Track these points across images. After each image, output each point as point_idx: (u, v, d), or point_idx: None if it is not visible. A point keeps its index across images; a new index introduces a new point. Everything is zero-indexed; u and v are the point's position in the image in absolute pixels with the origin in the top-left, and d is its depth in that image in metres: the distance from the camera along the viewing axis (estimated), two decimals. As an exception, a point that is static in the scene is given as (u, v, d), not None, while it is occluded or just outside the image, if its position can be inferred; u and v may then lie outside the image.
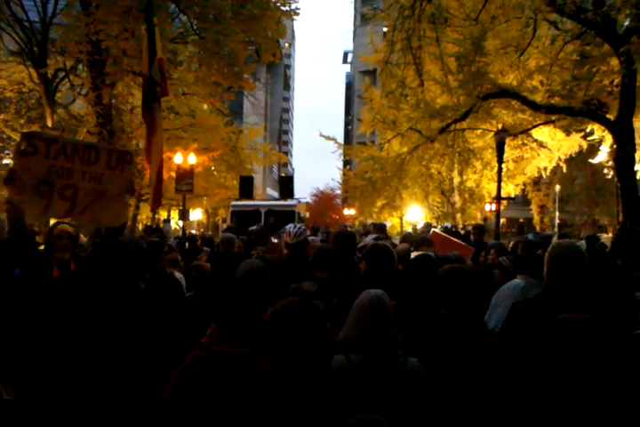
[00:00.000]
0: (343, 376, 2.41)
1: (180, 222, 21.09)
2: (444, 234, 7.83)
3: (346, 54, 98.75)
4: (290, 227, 4.38)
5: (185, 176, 17.29)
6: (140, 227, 20.97)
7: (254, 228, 7.34)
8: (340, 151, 27.56)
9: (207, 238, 11.33)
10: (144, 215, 29.05)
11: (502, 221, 21.32)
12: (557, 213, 33.24)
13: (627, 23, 10.61)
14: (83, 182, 3.88)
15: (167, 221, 22.58)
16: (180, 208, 18.92)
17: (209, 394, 2.22)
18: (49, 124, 16.49)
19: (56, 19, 16.96)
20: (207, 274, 4.26)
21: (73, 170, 3.87)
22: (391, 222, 29.28)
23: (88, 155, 3.93)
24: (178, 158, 17.34)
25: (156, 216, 29.26)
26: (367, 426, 1.51)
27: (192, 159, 17.67)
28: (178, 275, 4.67)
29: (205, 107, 22.20)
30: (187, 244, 10.12)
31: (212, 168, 26.14)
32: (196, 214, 35.23)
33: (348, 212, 43.88)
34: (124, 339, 3.09)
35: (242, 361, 2.24)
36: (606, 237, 16.28)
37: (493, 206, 15.79)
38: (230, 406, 2.18)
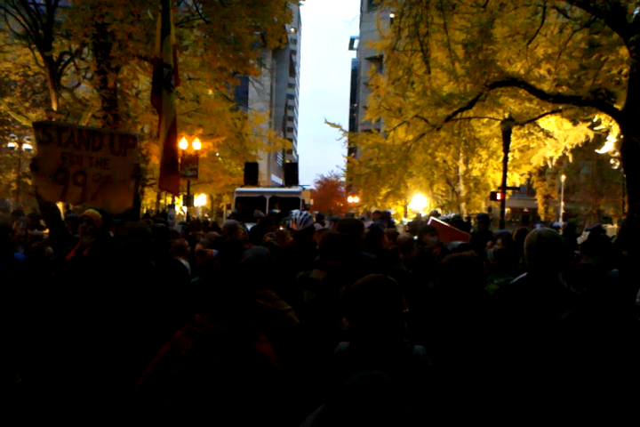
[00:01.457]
0: (348, 364, 2.43)
1: (185, 208, 21.14)
2: (443, 222, 7.88)
3: (352, 40, 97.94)
4: (295, 214, 4.38)
5: (190, 162, 17.29)
6: (145, 211, 21.02)
7: (259, 214, 7.37)
8: (345, 138, 27.47)
9: (210, 224, 11.33)
10: (148, 200, 29.11)
11: (507, 210, 21.27)
12: (562, 204, 33.14)
13: (637, 12, 10.50)
14: (90, 168, 3.93)
15: (172, 206, 22.55)
16: (185, 194, 18.94)
17: (200, 369, 2.27)
18: (54, 107, 16.46)
19: (61, 1, 16.84)
20: (212, 260, 4.27)
21: (82, 156, 3.92)
22: (395, 210, 29.21)
23: (92, 140, 3.97)
24: (183, 144, 17.31)
25: (161, 201, 29.32)
26: (368, 383, 1.51)
27: (197, 145, 17.65)
28: (184, 262, 4.69)
29: (210, 92, 22.12)
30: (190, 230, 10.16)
31: (217, 154, 26.11)
32: (201, 200, 35.25)
33: (353, 199, 43.84)
34: (129, 323, 3.11)
35: (236, 341, 2.29)
36: (611, 228, 16.24)
37: (498, 196, 15.72)
38: (218, 385, 2.23)
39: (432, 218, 8.66)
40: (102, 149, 3.97)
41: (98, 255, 3.63)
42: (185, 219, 18.68)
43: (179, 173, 4.40)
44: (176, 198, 28.71)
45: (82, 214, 3.91)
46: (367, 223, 7.42)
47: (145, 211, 21.02)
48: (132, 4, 11.89)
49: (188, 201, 18.80)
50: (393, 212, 26.08)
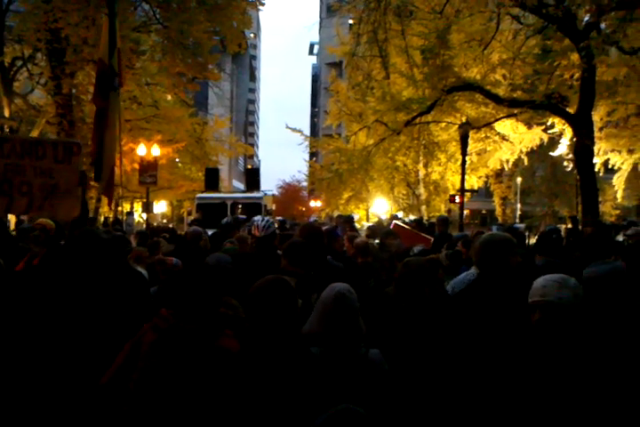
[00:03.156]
0: (304, 369, 2.42)
1: (144, 215, 20.78)
2: (405, 226, 7.96)
3: (312, 46, 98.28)
4: (258, 220, 4.34)
5: (148, 168, 16.99)
6: (102, 219, 20.54)
7: (227, 220, 7.29)
8: (307, 143, 27.57)
9: (170, 231, 11.10)
10: (106, 208, 28.46)
11: (466, 212, 21.66)
12: (519, 205, 33.94)
13: (587, 18, 10.85)
14: (35, 178, 3.84)
15: (130, 213, 22.11)
16: (144, 200, 18.62)
17: (162, 363, 2.28)
18: (6, 114, 15.95)
19: (13, 5, 16.37)
20: (171, 268, 4.20)
21: (25, 166, 3.83)
22: (359, 215, 29.36)
23: (35, 150, 3.88)
24: (141, 150, 17.01)
25: (119, 208, 28.73)
26: (346, 418, 1.53)
27: (156, 151, 17.36)
28: (142, 271, 4.60)
29: (169, 97, 21.84)
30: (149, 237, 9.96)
31: (177, 160, 25.77)
32: (161, 207, 34.69)
33: (315, 204, 43.91)
34: (83, 333, 3.03)
35: (200, 336, 2.29)
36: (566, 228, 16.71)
37: (457, 198, 16.00)
38: (181, 379, 2.23)
39: (395, 221, 8.73)
40: (46, 159, 3.89)
41: (49, 265, 3.52)
42: (144, 226, 18.33)
43: (113, 182, 4.33)
44: (135, 205, 28.21)
45: (34, 223, 3.80)
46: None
47: (103, 218, 20.55)
48: (87, 8, 11.65)
49: (148, 208, 18.47)
50: (357, 216, 26.22)
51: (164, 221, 36.89)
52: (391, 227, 7.32)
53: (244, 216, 12.51)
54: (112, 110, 4.25)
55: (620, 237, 9.66)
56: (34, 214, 3.95)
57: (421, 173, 23.84)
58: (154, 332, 2.37)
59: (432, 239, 6.93)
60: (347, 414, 1.53)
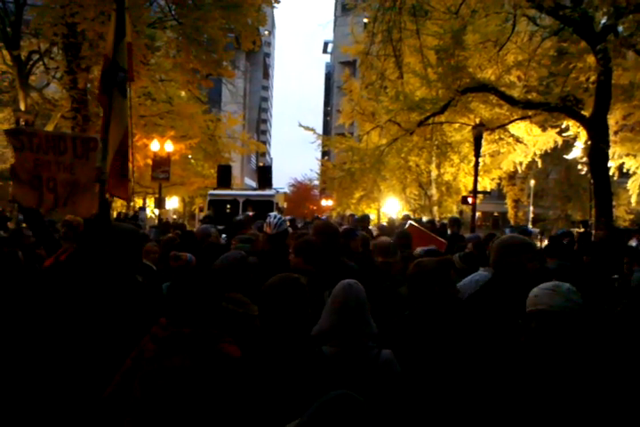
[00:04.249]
0: (314, 369, 2.42)
1: (156, 211, 20.88)
2: (421, 227, 7.89)
3: (326, 44, 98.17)
4: (270, 217, 4.36)
5: (161, 164, 17.11)
6: (115, 215, 20.67)
7: (240, 217, 7.31)
8: (319, 142, 27.50)
9: (180, 226, 11.12)
10: (119, 203, 28.64)
11: (478, 214, 21.55)
12: (531, 208, 33.76)
13: (604, 21, 10.76)
14: (59, 174, 3.87)
15: (143, 208, 22.26)
16: (156, 196, 18.71)
17: (163, 372, 2.26)
18: (22, 107, 16.10)
19: (30, -1, 16.52)
20: (187, 264, 4.22)
21: (50, 162, 3.87)
22: (375, 215, 29.29)
23: (58, 145, 3.91)
24: (154, 146, 17.12)
25: (132, 204, 28.89)
26: (342, 403, 1.51)
27: (169, 147, 17.47)
28: (149, 264, 4.63)
29: (183, 94, 21.91)
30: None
31: (190, 156, 25.86)
32: (173, 203, 34.84)
33: (326, 203, 43.91)
34: (111, 337, 3.02)
35: (198, 343, 2.28)
36: (578, 232, 16.60)
37: (469, 200, 15.93)
38: (182, 387, 2.22)
39: (410, 222, 8.67)
40: (67, 154, 3.91)
41: (76, 262, 3.53)
42: (156, 221, 18.43)
43: (129, 178, 4.30)
44: (147, 201, 28.33)
45: (63, 220, 3.83)
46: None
47: (115, 214, 20.66)
48: (103, 3, 11.71)
49: (160, 203, 18.56)
50: (373, 216, 26.15)
51: (175, 216, 37.01)
52: (406, 227, 7.25)
53: (249, 213, 12.54)
54: (115, 106, 4.24)
55: (634, 242, 9.59)
56: (59, 211, 3.97)
57: (434, 173, 23.77)
58: (153, 342, 2.37)
59: (446, 242, 6.86)
60: (344, 400, 1.51)
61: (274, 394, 2.22)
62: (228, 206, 16.72)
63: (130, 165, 4.38)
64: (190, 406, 2.24)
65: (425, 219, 15.95)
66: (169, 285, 4.04)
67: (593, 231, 11.83)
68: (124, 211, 20.79)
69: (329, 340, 2.50)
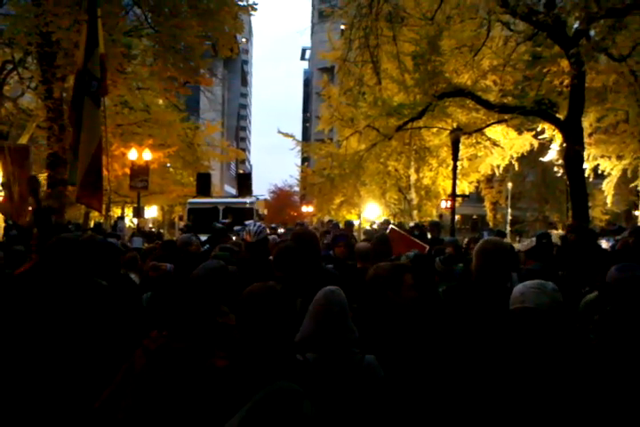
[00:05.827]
0: (299, 376, 2.42)
1: (135, 220, 20.69)
2: (402, 231, 7.93)
3: (304, 51, 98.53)
4: (250, 225, 4.34)
5: (140, 173, 16.98)
6: (92, 224, 20.42)
7: (219, 224, 7.28)
8: (299, 148, 27.54)
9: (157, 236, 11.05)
10: (96, 213, 28.32)
11: (457, 217, 21.73)
12: (509, 210, 34.11)
13: (576, 26, 10.94)
14: (14, 185, 3.85)
15: (121, 218, 22.01)
16: (135, 205, 18.54)
17: (154, 386, 2.22)
18: (-4, 118, 15.87)
19: (3, 9, 16.29)
20: (166, 274, 4.17)
21: (8, 172, 3.85)
22: (359, 221, 29.31)
23: (13, 157, 3.89)
24: (132, 154, 16.98)
25: (110, 213, 28.55)
26: (282, 396, 1.50)
27: (147, 155, 17.34)
28: (133, 277, 4.56)
29: (161, 102, 21.78)
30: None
31: (168, 165, 25.65)
32: (152, 212, 34.53)
33: (307, 209, 43.89)
34: (68, 350, 2.95)
35: (191, 357, 2.25)
36: (556, 233, 16.82)
37: (448, 203, 16.05)
38: (173, 401, 2.19)
39: (391, 226, 8.71)
40: (14, 164, 3.89)
41: (35, 273, 3.47)
42: (135, 231, 18.24)
43: (102, 190, 4.24)
44: (126, 210, 28.04)
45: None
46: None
47: (93, 224, 20.40)
48: (78, 12, 11.60)
49: (139, 213, 18.40)
50: (357, 222, 26.16)
51: (150, 225, 36.57)
52: (387, 232, 7.28)
53: (225, 220, 12.48)
54: (87, 116, 4.18)
55: (604, 243, 9.73)
56: (21, 222, 3.92)
57: (413, 178, 23.90)
58: (144, 354, 2.34)
59: (427, 247, 6.90)
60: (282, 393, 1.50)
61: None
62: (209, 214, 16.63)
63: (105, 176, 4.34)
64: (181, 420, 2.21)
65: (412, 224, 16.05)
66: (149, 295, 3.99)
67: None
68: (102, 220, 20.53)
69: (312, 346, 2.50)
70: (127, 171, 18.01)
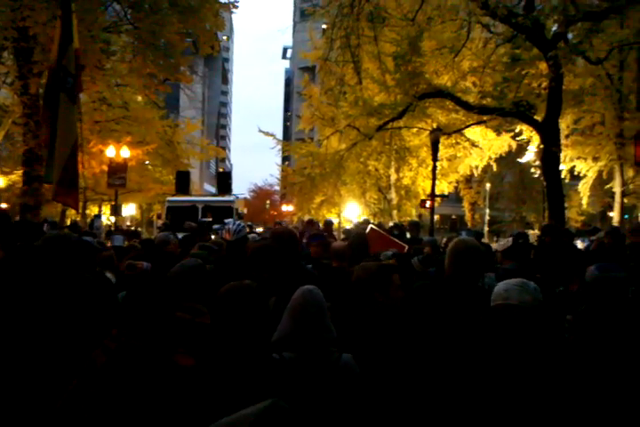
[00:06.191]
0: (274, 375, 2.42)
1: (113, 218, 20.45)
2: (381, 231, 7.95)
3: (285, 50, 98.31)
4: (229, 223, 4.32)
5: (117, 170, 16.80)
6: (69, 222, 20.11)
7: (191, 225, 7.21)
8: (279, 147, 27.42)
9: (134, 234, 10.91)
10: (73, 211, 27.94)
11: (436, 217, 21.88)
12: (488, 211, 34.46)
13: (555, 29, 11.09)
14: None
15: (98, 216, 21.73)
16: (112, 203, 18.33)
17: (115, 385, 2.20)
18: (-30, 113, 15.57)
19: (-22, 2, 15.98)
20: (143, 273, 4.13)
21: None
22: (339, 219, 29.32)
23: None
24: (110, 152, 16.78)
25: (87, 211, 28.21)
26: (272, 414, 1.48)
27: (125, 153, 17.16)
28: (109, 275, 4.50)
29: (140, 99, 21.53)
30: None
31: (147, 162, 25.41)
32: (130, 210, 34.16)
33: (287, 208, 43.86)
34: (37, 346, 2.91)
35: (149, 354, 2.23)
36: (533, 233, 17.04)
37: (428, 203, 16.17)
38: (136, 399, 2.17)
39: (371, 226, 8.72)
40: None
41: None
42: (112, 229, 18.04)
43: (78, 188, 4.18)
44: (103, 208, 27.69)
45: None
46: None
47: (70, 222, 20.11)
48: (56, 7, 11.41)
49: (116, 211, 18.19)
50: (336, 221, 26.16)
51: (128, 223, 36.20)
52: (367, 231, 7.28)
53: (205, 219, 12.40)
54: (63, 112, 4.11)
55: (579, 244, 9.89)
56: None
57: (393, 177, 24.02)
58: (104, 353, 2.31)
59: (407, 247, 6.93)
60: (273, 411, 1.49)
61: (232, 403, 2.19)
62: (187, 213, 16.51)
63: (81, 173, 4.26)
64: (144, 419, 2.18)
65: (391, 223, 16.11)
66: (124, 294, 3.93)
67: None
68: (78, 218, 20.25)
69: (289, 345, 2.50)
70: (105, 168, 17.80)
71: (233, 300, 2.35)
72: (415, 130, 18.38)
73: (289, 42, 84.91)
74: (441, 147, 16.48)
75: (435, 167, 15.67)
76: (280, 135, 43.87)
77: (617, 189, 16.61)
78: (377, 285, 3.02)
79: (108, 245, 7.13)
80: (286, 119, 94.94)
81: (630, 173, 16.31)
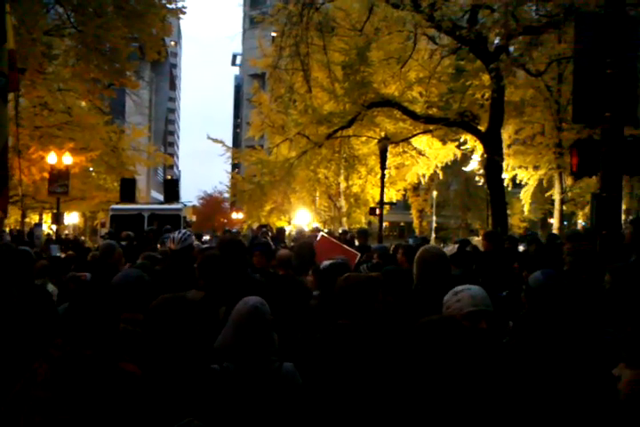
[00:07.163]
0: (217, 384, 2.38)
1: (54, 227, 19.73)
2: (332, 239, 7.96)
3: (235, 56, 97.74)
4: (174, 232, 4.23)
5: (59, 177, 16.21)
6: (8, 230, 19.29)
7: (130, 235, 7.03)
8: (229, 154, 27.16)
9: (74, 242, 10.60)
10: (12, 219, 26.84)
11: (385, 224, 22.17)
12: (434, 218, 35.18)
13: (497, 42, 11.45)
14: None
15: (39, 225, 20.94)
16: (54, 211, 17.69)
17: (60, 394, 2.13)
18: None
19: None
20: (85, 284, 3.99)
21: None
22: (290, 227, 29.20)
23: None
24: (51, 158, 16.18)
25: (26, 220, 27.17)
26: None
27: (67, 159, 16.57)
28: (51, 287, 4.33)
29: (84, 104, 20.94)
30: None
31: (90, 169, 24.71)
32: (72, 218, 33.07)
33: (237, 215, 43.43)
34: None
35: (96, 363, 2.18)
36: (477, 240, 17.46)
37: (377, 211, 16.37)
38: (81, 408, 2.11)
39: (322, 233, 8.71)
40: None
41: None
42: (54, 238, 17.40)
43: (7, 189, 4.02)
44: (44, 216, 26.70)
45: None
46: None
47: (8, 230, 19.30)
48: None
49: (58, 219, 17.56)
50: (289, 229, 26.05)
51: (66, 232, 35.03)
52: (318, 239, 7.27)
53: (152, 227, 12.12)
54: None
55: (521, 248, 10.25)
56: None
57: (342, 185, 24.19)
58: (46, 362, 2.23)
59: (359, 255, 6.94)
60: None
61: (173, 412, 2.14)
62: (132, 221, 16.09)
63: (19, 179, 4.09)
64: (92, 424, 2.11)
65: (340, 230, 16.18)
66: (67, 305, 3.79)
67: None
68: (18, 227, 19.46)
69: (230, 356, 2.47)
70: (46, 175, 17.16)
71: (162, 313, 2.31)
72: (364, 138, 18.59)
73: (238, 49, 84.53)
74: (389, 155, 16.72)
75: (383, 175, 15.88)
76: (230, 142, 43.54)
77: (556, 196, 17.26)
78: (365, 297, 2.96)
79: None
80: (236, 126, 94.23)
81: (569, 181, 16.97)
